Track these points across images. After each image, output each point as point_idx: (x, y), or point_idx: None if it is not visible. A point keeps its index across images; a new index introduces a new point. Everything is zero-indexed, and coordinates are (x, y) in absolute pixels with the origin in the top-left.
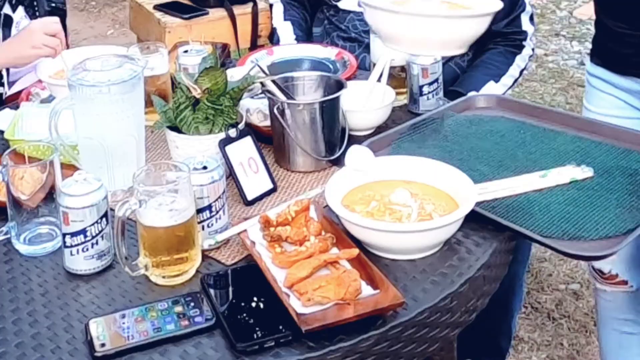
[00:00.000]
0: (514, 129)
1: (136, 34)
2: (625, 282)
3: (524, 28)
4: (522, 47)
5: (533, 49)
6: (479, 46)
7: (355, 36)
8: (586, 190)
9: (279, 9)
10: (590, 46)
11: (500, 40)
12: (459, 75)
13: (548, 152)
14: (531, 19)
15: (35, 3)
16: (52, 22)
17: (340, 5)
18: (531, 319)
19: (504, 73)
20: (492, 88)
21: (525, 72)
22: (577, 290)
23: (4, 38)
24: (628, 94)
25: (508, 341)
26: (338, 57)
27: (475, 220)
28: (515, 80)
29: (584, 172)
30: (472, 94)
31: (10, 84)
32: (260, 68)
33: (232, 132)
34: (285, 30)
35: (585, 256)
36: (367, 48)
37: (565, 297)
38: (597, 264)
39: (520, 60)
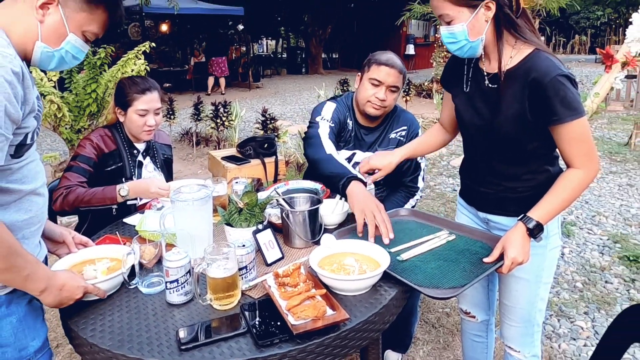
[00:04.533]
0: (418, 227)
1: (211, 172)
2: (474, 317)
3: (418, 185)
4: (414, 195)
5: (420, 196)
6: (391, 188)
7: None
8: (447, 262)
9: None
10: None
11: (403, 188)
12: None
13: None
14: (423, 178)
15: (155, 155)
16: (161, 182)
17: None
18: (423, 327)
19: (400, 207)
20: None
21: (416, 204)
22: (449, 312)
23: (139, 175)
24: (473, 215)
25: (410, 340)
26: (322, 188)
27: (388, 275)
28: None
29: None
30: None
31: (141, 199)
32: (277, 193)
33: (260, 227)
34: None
35: (437, 297)
36: None
37: (442, 316)
38: (459, 305)
39: (412, 200)
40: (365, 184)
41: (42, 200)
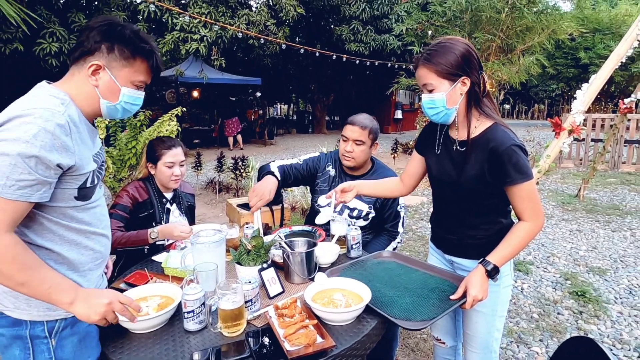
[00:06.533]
0: (397, 267)
1: (228, 216)
2: (444, 343)
3: (398, 230)
4: (395, 239)
5: (401, 240)
6: (375, 232)
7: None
8: (420, 298)
9: None
10: None
11: (385, 232)
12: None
13: (409, 277)
14: (402, 224)
15: (180, 203)
16: (184, 226)
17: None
18: (404, 351)
19: (383, 249)
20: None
21: (397, 246)
22: (425, 337)
23: (167, 220)
24: (441, 257)
25: None
26: (319, 232)
27: (370, 308)
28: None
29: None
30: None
31: (168, 239)
32: (280, 237)
33: (265, 265)
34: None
35: (409, 328)
36: (328, 224)
37: (419, 341)
38: (432, 332)
39: (393, 243)
40: (277, 178)
41: (105, 240)
